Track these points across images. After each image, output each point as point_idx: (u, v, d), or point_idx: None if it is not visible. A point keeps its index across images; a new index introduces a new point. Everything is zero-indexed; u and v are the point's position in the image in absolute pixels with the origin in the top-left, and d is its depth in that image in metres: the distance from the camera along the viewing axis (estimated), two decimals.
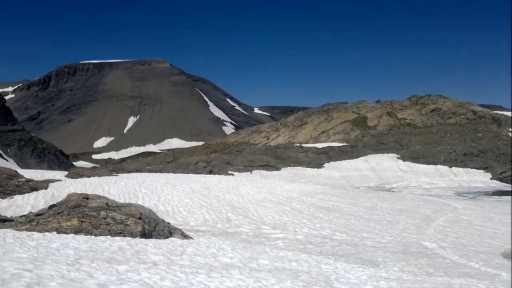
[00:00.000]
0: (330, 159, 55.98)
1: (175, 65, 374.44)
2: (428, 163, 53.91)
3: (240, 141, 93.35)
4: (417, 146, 62.96)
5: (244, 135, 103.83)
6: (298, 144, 71.92)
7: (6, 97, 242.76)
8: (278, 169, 48.85)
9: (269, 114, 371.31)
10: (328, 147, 63.65)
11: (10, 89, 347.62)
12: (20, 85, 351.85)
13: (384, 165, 53.28)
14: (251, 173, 45.95)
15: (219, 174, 38.87)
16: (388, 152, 59.67)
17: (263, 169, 47.77)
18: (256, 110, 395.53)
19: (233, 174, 41.07)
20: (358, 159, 56.23)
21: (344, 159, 55.90)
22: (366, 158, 56.57)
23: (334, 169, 51.21)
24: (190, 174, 33.89)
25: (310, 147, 64.68)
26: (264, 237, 16.03)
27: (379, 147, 63.24)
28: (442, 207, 25.37)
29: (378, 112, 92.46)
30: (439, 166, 52.79)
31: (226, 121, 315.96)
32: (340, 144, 68.58)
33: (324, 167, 52.13)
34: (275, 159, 53.72)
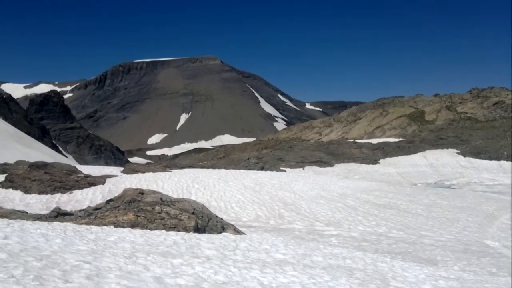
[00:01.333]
0: (386, 155, 54.71)
1: (226, 61, 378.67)
2: (490, 158, 51.56)
3: (292, 137, 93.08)
4: (478, 141, 60.38)
5: (296, 131, 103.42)
6: (352, 140, 70.83)
7: (65, 96, 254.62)
8: (331, 165, 48.28)
9: (321, 110, 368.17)
10: (384, 142, 62.23)
11: (69, 88, 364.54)
12: (77, 84, 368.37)
13: (443, 161, 51.46)
14: (303, 169, 45.69)
15: (271, 170, 38.87)
16: (447, 148, 57.59)
17: (316, 165, 47.33)
18: (308, 106, 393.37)
19: (285, 170, 40.99)
20: (416, 154, 54.61)
21: (401, 155, 54.45)
22: (424, 153, 54.86)
23: (390, 165, 50.00)
24: (242, 170, 34.12)
25: (364, 142, 63.48)
26: (318, 234, 15.92)
27: (437, 142, 61.16)
28: (505, 205, 24.20)
29: (437, 106, 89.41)
30: (503, 162, 50.36)
31: (277, 117, 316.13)
32: (396, 140, 66.89)
33: (379, 163, 51.04)
34: (328, 155, 53.16)
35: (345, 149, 57.45)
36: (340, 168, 47.71)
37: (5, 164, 34.21)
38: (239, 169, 36.95)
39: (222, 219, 14.11)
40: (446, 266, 11.72)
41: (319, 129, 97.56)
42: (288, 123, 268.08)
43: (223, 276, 6.67)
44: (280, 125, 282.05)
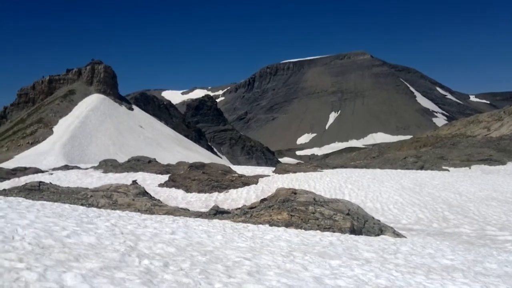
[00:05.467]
0: None
1: (376, 56, 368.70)
2: None
3: (455, 133, 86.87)
4: None
5: (459, 126, 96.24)
6: None
7: (218, 100, 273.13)
8: (503, 163, 43.90)
9: (488, 102, 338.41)
10: None
11: (221, 92, 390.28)
12: (228, 88, 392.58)
13: None
14: (470, 168, 42.29)
15: (431, 169, 36.76)
16: None
17: (484, 164, 43.47)
18: (472, 98, 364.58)
19: (448, 170, 38.44)
20: None
21: None
22: None
23: None
24: (399, 170, 32.94)
25: None
26: (489, 239, 14.59)
27: None
28: None
29: None
30: None
31: (436, 112, 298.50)
32: None
33: None
34: (498, 152, 48.45)
35: None
36: None
37: (168, 165, 37.95)
38: (395, 168, 35.72)
39: (379, 221, 13.76)
40: None
41: (486, 124, 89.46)
42: (450, 118, 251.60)
43: (384, 280, 6.49)
44: (440, 120, 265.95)
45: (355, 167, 38.29)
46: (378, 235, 12.19)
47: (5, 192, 18.86)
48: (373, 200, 20.90)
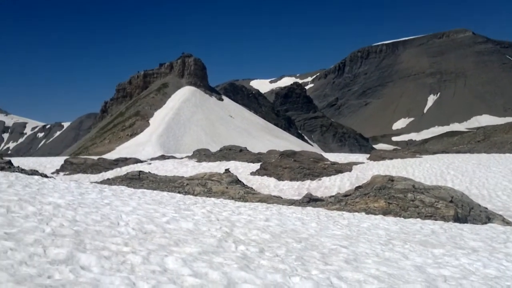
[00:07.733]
0: None
1: (479, 33, 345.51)
2: None
3: None
4: None
5: None
6: None
7: (307, 87, 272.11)
8: None
9: None
10: None
11: (309, 79, 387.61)
12: (317, 74, 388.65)
13: None
14: None
15: None
16: None
17: None
18: None
19: None
20: None
21: None
22: None
23: None
24: (507, 154, 30.89)
25: None
26: None
27: None
28: None
29: None
30: None
31: None
32: None
33: None
34: None
35: None
36: None
37: (259, 153, 38.57)
38: (503, 153, 33.49)
39: (486, 208, 13.06)
40: None
41: None
42: None
43: (494, 269, 6.19)
44: None
45: (458, 152, 36.45)
46: (486, 223, 11.57)
47: (109, 181, 20.29)
48: (479, 186, 19.81)
